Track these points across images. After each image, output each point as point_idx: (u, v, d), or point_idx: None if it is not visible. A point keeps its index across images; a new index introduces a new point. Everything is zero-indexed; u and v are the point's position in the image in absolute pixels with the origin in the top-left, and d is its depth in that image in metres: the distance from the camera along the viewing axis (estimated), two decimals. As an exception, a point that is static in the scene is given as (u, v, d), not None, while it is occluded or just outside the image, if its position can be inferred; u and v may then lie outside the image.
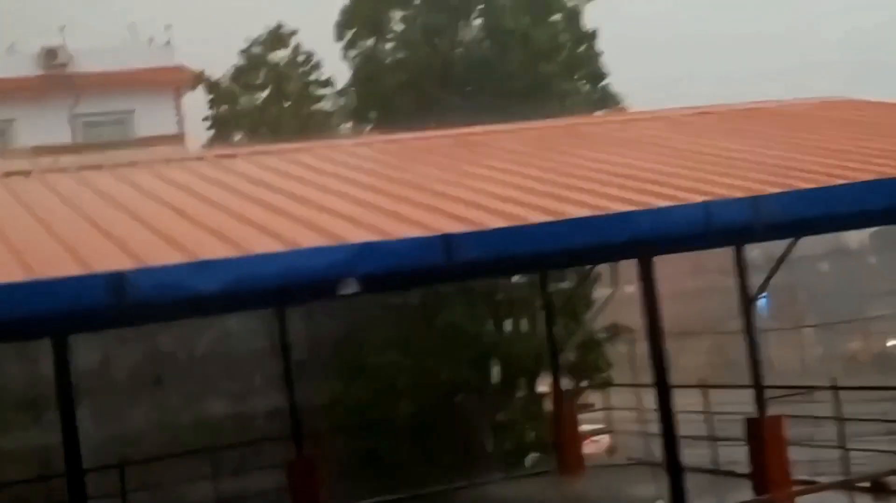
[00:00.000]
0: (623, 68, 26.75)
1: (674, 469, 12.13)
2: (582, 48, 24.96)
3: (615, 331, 24.47)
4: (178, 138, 31.92)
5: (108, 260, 9.79)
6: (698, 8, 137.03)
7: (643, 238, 11.37)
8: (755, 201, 11.73)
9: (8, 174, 14.41)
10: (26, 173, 14.47)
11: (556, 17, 25.17)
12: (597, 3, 25.48)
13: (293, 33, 27.69)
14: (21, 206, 12.50)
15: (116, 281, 9.37)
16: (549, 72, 24.10)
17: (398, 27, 25.82)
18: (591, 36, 25.17)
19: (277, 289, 10.41)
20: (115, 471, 18.85)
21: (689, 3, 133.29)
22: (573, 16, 25.24)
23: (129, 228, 11.11)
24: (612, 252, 12.60)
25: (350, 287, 10.42)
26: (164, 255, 9.96)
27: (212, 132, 27.34)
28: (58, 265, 9.69)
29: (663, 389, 12.10)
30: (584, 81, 24.59)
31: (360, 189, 13.01)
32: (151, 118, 33.71)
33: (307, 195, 12.52)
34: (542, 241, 10.91)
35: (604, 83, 25.12)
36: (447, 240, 10.45)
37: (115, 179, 14.02)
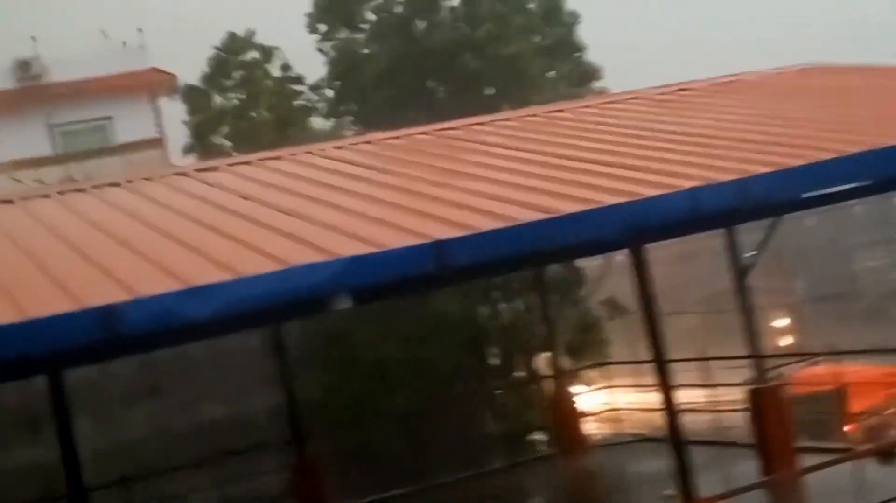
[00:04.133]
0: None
1: (676, 443, 12.13)
2: (559, 28, 24.95)
3: (613, 307, 24.52)
4: (157, 142, 31.75)
5: (99, 292, 9.68)
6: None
7: (633, 230, 11.31)
8: (742, 184, 11.65)
9: (-10, 204, 14.31)
10: (9, 202, 14.35)
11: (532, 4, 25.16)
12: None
13: (252, 34, 27.69)
14: (7, 238, 12.39)
15: (108, 315, 9.28)
16: (525, 51, 24.09)
17: (371, 17, 25.74)
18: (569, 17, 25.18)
19: (271, 310, 10.31)
20: (118, 484, 18.81)
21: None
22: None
23: (118, 256, 10.99)
24: (604, 244, 12.54)
25: (343, 301, 10.33)
26: (154, 284, 9.85)
27: (191, 136, 27.29)
28: (48, 302, 9.57)
29: (662, 369, 12.11)
30: (563, 59, 24.59)
31: (345, 196, 12.89)
32: (130, 123, 33.47)
33: (293, 207, 12.41)
34: (536, 240, 10.83)
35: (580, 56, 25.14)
36: (439, 246, 10.35)
37: (99, 202, 13.91)
